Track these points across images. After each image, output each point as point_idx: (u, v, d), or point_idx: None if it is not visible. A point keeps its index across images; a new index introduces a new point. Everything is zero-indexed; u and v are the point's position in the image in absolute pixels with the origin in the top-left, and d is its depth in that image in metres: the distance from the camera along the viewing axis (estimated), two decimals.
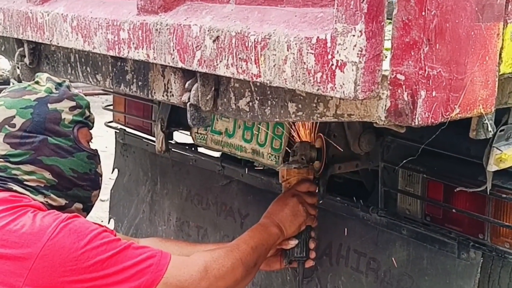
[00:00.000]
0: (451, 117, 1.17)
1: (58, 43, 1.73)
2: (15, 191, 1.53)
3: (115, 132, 2.93)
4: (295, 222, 1.89)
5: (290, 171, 1.96)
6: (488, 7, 1.18)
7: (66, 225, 1.43)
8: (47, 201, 1.56)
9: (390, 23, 1.14)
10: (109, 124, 2.95)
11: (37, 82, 1.64)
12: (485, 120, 1.32)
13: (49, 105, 1.59)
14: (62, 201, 1.59)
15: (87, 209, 1.66)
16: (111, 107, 2.93)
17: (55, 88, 1.63)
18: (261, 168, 2.44)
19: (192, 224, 2.66)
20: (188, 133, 2.55)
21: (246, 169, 2.40)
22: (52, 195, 1.57)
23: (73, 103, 1.64)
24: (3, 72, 9.72)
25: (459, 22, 1.13)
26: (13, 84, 7.83)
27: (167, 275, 1.47)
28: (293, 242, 1.90)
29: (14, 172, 1.54)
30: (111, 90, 2.69)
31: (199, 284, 1.53)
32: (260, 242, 1.77)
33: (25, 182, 1.54)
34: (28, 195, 1.53)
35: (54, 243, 1.40)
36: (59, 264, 1.38)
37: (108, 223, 3.06)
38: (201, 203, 2.61)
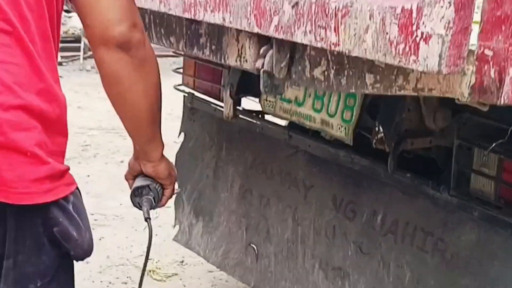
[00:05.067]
0: None
1: None
2: None
3: (184, 96, 2.94)
4: (171, 168, 1.74)
5: None
6: None
7: None
8: None
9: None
10: (178, 87, 2.95)
11: None
12: None
13: None
14: None
15: None
16: (181, 70, 2.93)
17: None
18: (329, 139, 2.40)
19: (254, 193, 2.65)
20: (257, 100, 2.53)
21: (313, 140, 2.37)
22: None
23: None
24: (74, 30, 9.91)
25: None
26: (84, 42, 7.98)
27: None
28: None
29: None
30: (183, 53, 2.68)
31: None
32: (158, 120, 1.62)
33: None
34: None
35: None
36: None
37: None
38: (266, 172, 2.60)
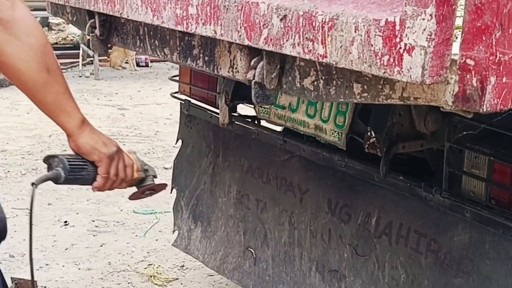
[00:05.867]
0: None
1: (128, 16, 1.76)
2: None
3: (180, 103, 2.98)
4: (97, 143, 1.64)
5: None
6: None
7: None
8: None
9: None
10: (175, 94, 2.99)
11: None
12: None
13: None
14: None
15: None
16: (177, 78, 2.97)
17: None
18: (323, 143, 2.43)
19: (251, 197, 2.69)
20: (252, 106, 2.56)
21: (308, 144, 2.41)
22: None
23: None
24: (73, 37, 9.95)
25: None
26: (83, 49, 8.09)
27: None
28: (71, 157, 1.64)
29: None
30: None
31: None
32: (63, 87, 1.59)
33: None
34: None
35: None
36: None
37: (171, 192, 3.13)
38: (262, 177, 2.63)
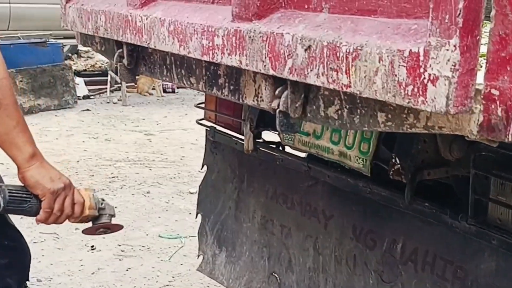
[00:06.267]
0: None
1: (155, 46, 1.79)
2: None
3: (206, 129, 3.01)
4: (43, 177, 1.68)
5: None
6: None
7: None
8: None
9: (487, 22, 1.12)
10: (200, 121, 3.02)
11: None
12: None
13: None
14: None
15: None
16: (203, 105, 3.00)
17: None
18: (348, 169, 2.43)
19: (276, 223, 2.69)
20: (277, 133, 2.58)
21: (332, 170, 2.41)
22: None
23: None
24: (101, 64, 10.11)
25: None
26: (111, 75, 8.22)
27: None
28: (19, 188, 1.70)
29: None
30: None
31: None
32: (19, 120, 1.64)
33: None
34: None
35: None
36: None
37: (196, 217, 3.15)
38: (286, 202, 2.64)
